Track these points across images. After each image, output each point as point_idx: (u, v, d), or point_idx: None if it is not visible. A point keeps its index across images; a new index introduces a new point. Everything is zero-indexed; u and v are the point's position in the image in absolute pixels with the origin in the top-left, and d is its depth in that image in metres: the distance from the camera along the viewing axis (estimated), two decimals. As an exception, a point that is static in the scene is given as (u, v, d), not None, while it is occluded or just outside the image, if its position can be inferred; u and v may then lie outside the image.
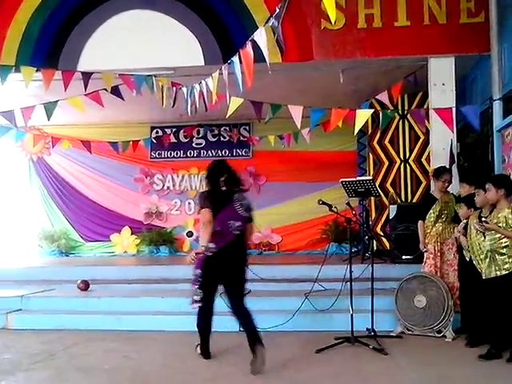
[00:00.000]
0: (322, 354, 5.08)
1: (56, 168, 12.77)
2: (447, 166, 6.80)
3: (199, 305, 4.88)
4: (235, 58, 5.41)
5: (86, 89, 7.20)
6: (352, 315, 5.33)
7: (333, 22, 4.51)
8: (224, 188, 4.91)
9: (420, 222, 6.20)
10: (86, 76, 7.19)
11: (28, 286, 7.72)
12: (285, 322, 6.03)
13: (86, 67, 7.73)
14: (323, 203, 5.61)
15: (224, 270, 4.82)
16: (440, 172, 6.24)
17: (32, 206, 12.72)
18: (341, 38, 7.63)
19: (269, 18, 4.80)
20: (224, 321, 6.18)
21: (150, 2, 7.98)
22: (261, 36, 4.87)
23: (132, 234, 12.29)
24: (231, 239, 4.76)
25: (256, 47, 5.05)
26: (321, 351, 5.11)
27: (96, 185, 12.64)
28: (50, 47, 8.00)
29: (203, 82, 6.25)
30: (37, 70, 7.01)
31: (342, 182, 6.33)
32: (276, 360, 4.93)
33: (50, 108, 7.39)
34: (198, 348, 5.14)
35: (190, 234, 12.24)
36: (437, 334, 5.68)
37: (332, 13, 3.97)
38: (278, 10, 4.60)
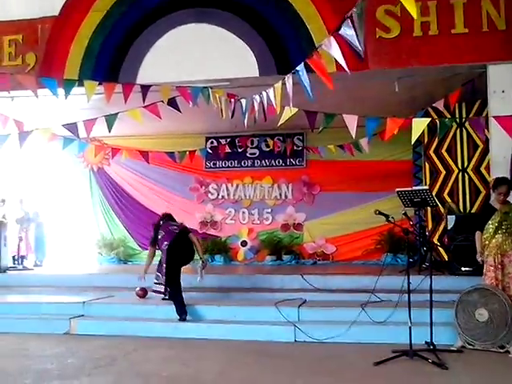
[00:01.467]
0: (380, 367, 5.00)
1: (115, 178, 13.16)
2: (507, 175, 6.60)
3: None
4: (301, 67, 5.41)
5: (144, 101, 7.39)
6: (410, 328, 5.24)
7: (415, 17, 4.43)
8: None
9: (478, 232, 6.03)
10: (145, 89, 7.38)
11: (89, 293, 7.97)
12: (341, 333, 5.98)
13: (144, 80, 7.97)
14: (380, 213, 5.56)
15: None
16: (495, 184, 6.04)
17: (92, 214, 13.13)
18: (396, 46, 7.55)
19: (340, 26, 4.77)
20: (280, 331, 6.27)
21: (205, 15, 8.16)
22: (331, 45, 4.86)
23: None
24: None
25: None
26: (379, 364, 5.03)
27: (152, 194, 12.93)
28: (111, 61, 8.31)
29: (264, 92, 6.28)
30: (99, 84, 7.24)
31: (397, 191, 6.25)
32: (333, 372, 4.91)
33: (110, 120, 7.64)
34: None
35: (244, 244, 12.32)
36: (499, 349, 5.49)
37: (412, 9, 3.95)
38: (352, 16, 4.56)
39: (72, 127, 7.74)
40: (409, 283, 5.36)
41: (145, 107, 7.56)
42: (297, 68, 5.59)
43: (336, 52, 4.88)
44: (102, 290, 8.14)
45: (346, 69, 4.90)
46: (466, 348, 5.63)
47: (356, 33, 4.44)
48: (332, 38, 4.97)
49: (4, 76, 7.35)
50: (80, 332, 6.73)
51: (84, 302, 7.28)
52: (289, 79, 5.67)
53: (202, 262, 7.37)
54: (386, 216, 5.54)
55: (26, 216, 11.46)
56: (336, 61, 4.96)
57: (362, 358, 5.35)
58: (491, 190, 6.26)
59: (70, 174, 13.17)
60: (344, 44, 4.76)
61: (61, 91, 7.23)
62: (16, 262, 11.04)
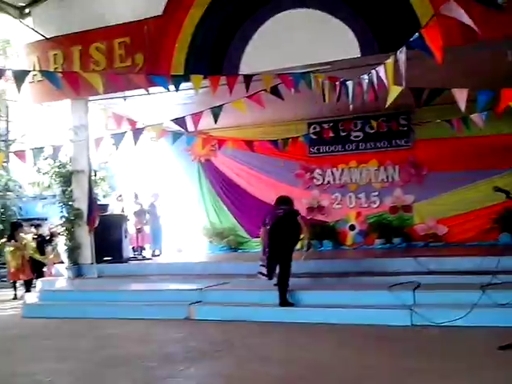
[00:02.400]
0: (505, 352, 4.76)
1: (222, 168, 13.49)
2: None
3: None
4: (415, 39, 5.21)
5: (247, 91, 7.50)
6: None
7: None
8: None
9: None
10: (248, 79, 7.49)
11: (205, 280, 8.29)
12: (461, 316, 5.76)
13: (246, 70, 8.09)
14: (499, 190, 5.27)
15: None
16: None
17: (202, 205, 13.60)
18: (506, 13, 7.04)
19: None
20: (395, 315, 6.17)
21: (301, 0, 8.12)
22: (452, 9, 4.63)
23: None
24: None
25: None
26: (504, 349, 4.78)
27: (259, 182, 13.11)
28: (214, 55, 8.53)
29: (373, 71, 6.12)
30: (204, 78, 7.45)
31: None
32: (453, 357, 4.76)
33: (216, 112, 7.84)
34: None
35: (352, 228, 12.20)
36: None
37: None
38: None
39: (180, 122, 8.03)
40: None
41: (248, 97, 7.66)
42: (410, 40, 5.37)
43: (459, 14, 4.63)
44: (216, 278, 8.44)
45: (476, 28, 4.65)
46: None
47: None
48: (452, 3, 4.73)
49: (117, 77, 7.75)
50: (198, 317, 7.05)
51: (201, 289, 7.59)
52: (401, 54, 5.45)
53: (308, 243, 7.40)
54: (507, 193, 5.24)
55: (142, 209, 12.11)
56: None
57: (484, 342, 5.15)
58: None
59: (180, 167, 13.70)
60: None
61: (171, 87, 7.49)
62: (136, 253, 11.73)
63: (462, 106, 6.50)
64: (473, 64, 8.37)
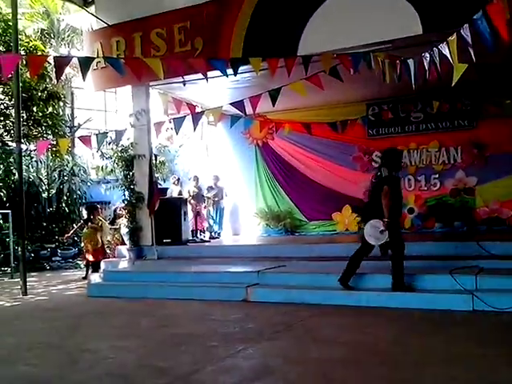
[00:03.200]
0: None
1: (279, 151, 13.49)
2: None
3: None
4: (479, 16, 5.03)
5: (306, 72, 7.43)
6: None
7: None
8: None
9: None
10: (306, 60, 7.41)
11: (262, 263, 8.37)
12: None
13: (305, 51, 8.01)
14: None
15: None
16: None
17: (259, 188, 13.67)
18: None
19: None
20: (456, 299, 6.04)
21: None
22: None
23: (352, 212, 12.42)
24: None
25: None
26: None
27: (316, 165, 13.04)
28: (272, 36, 8.48)
29: (435, 49, 5.92)
30: (263, 60, 7.42)
31: None
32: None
33: (274, 95, 7.83)
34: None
35: (411, 211, 11.96)
36: None
37: None
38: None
39: (239, 105, 8.07)
40: None
41: (307, 79, 7.60)
42: (474, 17, 5.19)
43: None
44: (273, 260, 8.51)
45: None
46: None
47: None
48: None
49: (176, 61, 7.85)
50: (255, 299, 7.12)
51: (258, 272, 7.66)
52: (466, 30, 5.26)
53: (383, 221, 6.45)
54: None
55: (201, 192, 12.31)
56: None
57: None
58: None
59: (237, 151, 13.79)
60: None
61: (229, 71, 7.52)
62: (194, 235, 11.95)
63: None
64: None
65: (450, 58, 5.63)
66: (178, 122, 8.49)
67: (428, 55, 6.07)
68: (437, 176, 11.91)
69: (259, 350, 4.78)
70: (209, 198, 12.52)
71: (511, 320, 5.41)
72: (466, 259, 7.21)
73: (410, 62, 6.44)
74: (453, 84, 5.83)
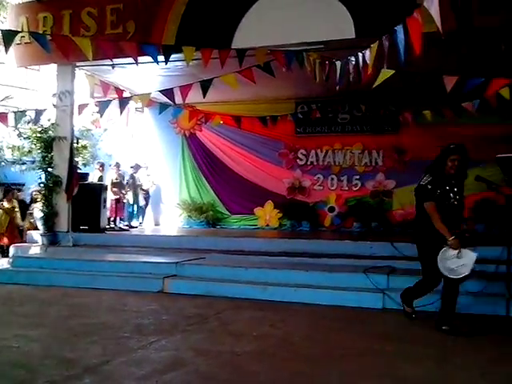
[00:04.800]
0: (475, 338, 4.83)
1: (206, 143, 13.42)
2: None
3: None
4: (399, 28, 5.20)
5: (240, 65, 7.40)
6: (508, 299, 5.01)
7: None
8: None
9: None
10: (241, 53, 7.38)
11: (181, 254, 8.28)
12: (431, 302, 5.74)
13: (239, 45, 7.97)
14: (481, 180, 5.27)
15: None
16: None
17: (183, 179, 13.52)
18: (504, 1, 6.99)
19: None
20: (368, 297, 6.22)
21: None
22: (432, 2, 4.63)
23: (275, 207, 12.56)
24: None
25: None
26: (473, 335, 4.86)
27: (242, 159, 13.08)
28: (207, 26, 8.36)
29: (360, 54, 6.09)
30: (196, 50, 7.31)
31: (497, 158, 5.90)
32: (424, 340, 4.83)
33: (205, 85, 7.74)
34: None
35: (331, 210, 12.23)
36: None
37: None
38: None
39: (168, 93, 7.93)
40: (509, 254, 5.10)
41: (239, 72, 7.57)
42: (395, 28, 5.37)
43: (435, 10, 4.64)
44: (193, 252, 8.44)
45: (440, 29, 4.68)
46: None
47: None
48: None
49: (107, 43, 7.60)
50: (173, 291, 7.03)
51: (177, 263, 7.57)
52: (386, 39, 5.45)
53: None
54: (489, 182, 5.26)
55: (122, 179, 12.00)
56: (441, 19, 4.72)
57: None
58: None
59: (164, 139, 13.58)
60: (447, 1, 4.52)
61: (160, 58, 7.37)
62: (113, 224, 11.63)
63: (448, 88, 6.52)
64: (464, 51, 8.33)
65: (368, 64, 5.82)
66: (103, 106, 8.23)
67: (354, 59, 6.24)
68: (358, 177, 12.26)
69: (172, 342, 4.71)
70: (130, 185, 12.22)
71: (419, 318, 5.62)
72: (380, 259, 7.47)
73: (338, 63, 6.58)
74: (373, 87, 6.01)
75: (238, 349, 4.47)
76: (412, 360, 4.24)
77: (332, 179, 12.42)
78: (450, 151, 5.17)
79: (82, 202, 9.97)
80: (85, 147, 11.79)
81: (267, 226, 12.56)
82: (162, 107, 8.83)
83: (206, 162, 13.41)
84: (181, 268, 7.51)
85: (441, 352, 4.50)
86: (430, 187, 5.16)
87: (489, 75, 6.44)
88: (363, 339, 4.88)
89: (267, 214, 12.64)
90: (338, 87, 6.63)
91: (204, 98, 7.84)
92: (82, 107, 8.84)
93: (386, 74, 6.22)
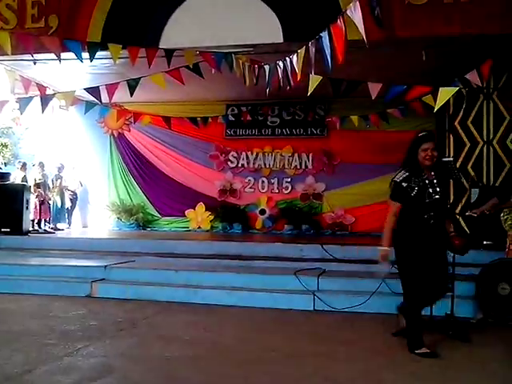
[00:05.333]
0: (399, 337, 4.99)
1: (135, 144, 13.16)
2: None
3: None
4: (324, 34, 5.30)
5: (169, 65, 7.30)
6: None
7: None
8: None
9: (495, 198, 5.97)
10: (169, 53, 7.28)
11: (110, 257, 8.06)
12: (361, 303, 5.99)
13: (167, 44, 7.85)
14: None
15: None
16: None
17: (112, 180, 13.21)
18: (426, 13, 7.30)
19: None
20: (299, 299, 6.30)
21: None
22: (355, 11, 4.74)
23: (206, 210, 12.51)
24: None
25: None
26: (398, 334, 5.02)
27: (172, 161, 12.94)
28: (134, 25, 8.17)
29: (287, 58, 6.17)
30: (123, 48, 7.15)
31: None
32: (352, 341, 4.93)
33: (132, 84, 7.59)
34: None
35: (262, 212, 12.32)
36: (520, 324, 5.48)
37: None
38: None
39: (94, 91, 7.70)
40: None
41: (167, 72, 7.47)
42: (320, 34, 5.48)
43: (358, 18, 4.76)
44: (123, 255, 8.24)
45: (364, 38, 4.81)
46: (486, 321, 5.61)
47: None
48: (357, 3, 4.85)
49: (27, 38, 7.29)
50: (101, 295, 6.83)
51: (106, 266, 7.36)
52: (312, 45, 5.55)
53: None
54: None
55: (47, 180, 11.55)
56: (365, 27, 4.84)
57: (382, 328, 5.35)
58: None
59: (91, 139, 13.20)
60: (368, 11, 4.65)
61: (85, 55, 7.14)
62: (37, 226, 11.18)
63: (373, 95, 6.74)
64: (389, 60, 8.63)
65: (296, 69, 5.92)
66: (24, 103, 7.87)
67: (282, 64, 6.33)
68: (289, 180, 12.41)
69: (101, 349, 4.56)
70: (55, 186, 11.79)
71: (346, 319, 5.75)
72: (311, 261, 7.58)
73: (267, 67, 6.64)
74: (308, 93, 6.11)
75: (168, 353, 4.40)
76: (343, 361, 4.32)
77: (263, 182, 12.51)
78: (419, 140, 4.62)
79: (3, 203, 9.57)
80: (5, 146, 11.28)
81: (199, 228, 12.48)
82: (88, 106, 8.56)
83: (135, 163, 13.16)
84: (110, 271, 7.30)
85: (369, 353, 4.60)
86: (404, 185, 4.55)
87: (411, 83, 6.68)
88: (295, 340, 4.93)
89: (199, 217, 12.57)
90: (268, 90, 6.67)
91: (131, 97, 7.67)
92: (1, 104, 8.41)
93: (316, 80, 6.34)
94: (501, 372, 4.16)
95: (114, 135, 13.20)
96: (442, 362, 4.38)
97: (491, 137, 8.89)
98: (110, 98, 7.77)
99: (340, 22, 5.13)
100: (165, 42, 8.01)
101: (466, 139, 9.02)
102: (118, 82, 7.68)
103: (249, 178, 12.59)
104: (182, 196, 12.74)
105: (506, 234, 5.97)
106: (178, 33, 8.03)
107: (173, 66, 7.42)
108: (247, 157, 12.60)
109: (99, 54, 7.37)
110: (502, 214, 6.03)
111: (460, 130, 9.08)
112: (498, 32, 7.15)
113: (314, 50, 5.71)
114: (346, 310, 6.02)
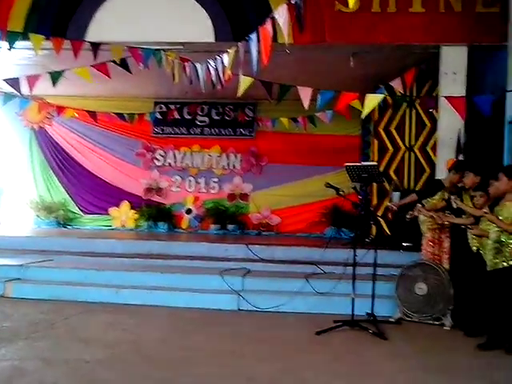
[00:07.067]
0: (322, 336, 5.09)
1: (57, 139, 12.62)
2: (453, 156, 6.77)
3: None
4: (253, 36, 5.31)
5: (95, 58, 7.07)
6: (353, 299, 5.33)
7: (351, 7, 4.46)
8: None
9: (414, 194, 6.33)
10: (95, 47, 7.06)
11: (27, 256, 7.71)
12: (284, 303, 6.04)
13: (94, 38, 7.59)
14: (330, 186, 5.57)
15: None
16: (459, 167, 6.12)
17: (31, 175, 12.65)
18: (354, 20, 7.47)
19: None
20: (224, 299, 6.28)
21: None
22: (282, 14, 4.78)
23: (131, 208, 12.23)
24: None
25: (274, 26, 4.98)
26: (321, 333, 5.11)
27: (97, 158, 12.53)
28: (58, 15, 7.82)
29: (218, 58, 6.13)
30: (46, 39, 6.86)
31: (346, 166, 6.24)
32: (276, 340, 4.96)
33: (55, 76, 7.30)
34: None
35: (189, 212, 12.21)
36: (435, 322, 5.71)
37: None
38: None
39: (14, 82, 7.34)
40: (355, 256, 5.43)
41: (93, 66, 7.25)
42: (250, 36, 5.49)
43: (283, 22, 4.81)
44: (41, 254, 7.91)
45: (286, 41, 4.88)
46: (404, 320, 5.82)
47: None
48: (284, 7, 4.89)
49: None
50: (16, 295, 6.53)
51: (21, 265, 7.03)
52: (242, 46, 5.56)
53: None
54: (337, 189, 5.57)
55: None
56: (294, 32, 4.90)
57: (305, 327, 5.43)
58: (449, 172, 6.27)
59: (9, 132, 12.58)
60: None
61: (4, 44, 6.79)
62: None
63: (306, 103, 6.85)
64: (319, 65, 8.78)
65: (227, 68, 5.92)
66: None
67: (213, 63, 6.30)
68: (216, 180, 12.35)
69: (14, 351, 4.34)
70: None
71: (270, 319, 5.79)
72: (236, 261, 7.58)
73: (198, 66, 6.59)
74: (239, 94, 6.11)
75: (87, 356, 4.25)
76: (265, 360, 4.34)
77: (190, 181, 12.38)
78: None
79: None
80: None
81: (123, 226, 12.17)
82: (7, 97, 8.17)
83: (56, 159, 12.63)
84: (26, 271, 6.97)
85: (292, 352, 4.66)
86: None
87: (340, 89, 6.82)
88: (218, 340, 4.91)
89: (123, 215, 12.26)
90: (203, 90, 6.61)
91: (54, 87, 7.36)
92: None
93: (247, 81, 6.35)
94: (419, 366, 4.32)
95: (34, 129, 12.64)
96: (362, 359, 4.50)
97: (413, 143, 9.25)
98: (31, 90, 7.44)
99: (267, 24, 5.16)
100: (92, 35, 7.71)
101: (389, 145, 9.35)
102: (40, 74, 7.36)
103: (176, 176, 12.43)
104: (105, 194, 12.38)
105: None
106: (105, 26, 7.74)
107: (100, 59, 7.20)
108: (174, 155, 12.43)
109: (21, 44, 7.06)
110: (420, 216, 6.25)
111: (384, 136, 9.39)
112: (421, 42, 7.44)
113: (243, 50, 5.71)
114: (270, 309, 6.05)
